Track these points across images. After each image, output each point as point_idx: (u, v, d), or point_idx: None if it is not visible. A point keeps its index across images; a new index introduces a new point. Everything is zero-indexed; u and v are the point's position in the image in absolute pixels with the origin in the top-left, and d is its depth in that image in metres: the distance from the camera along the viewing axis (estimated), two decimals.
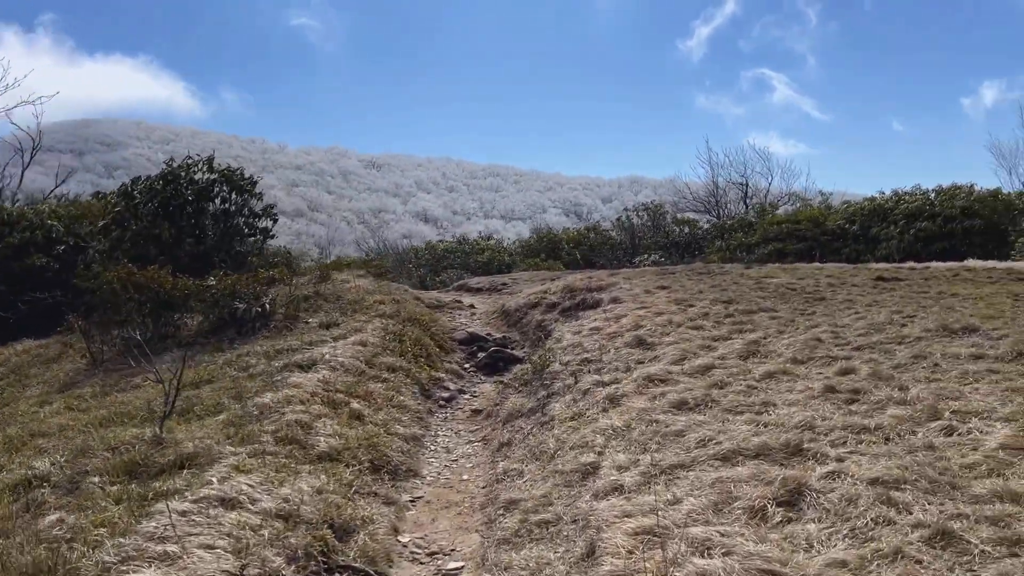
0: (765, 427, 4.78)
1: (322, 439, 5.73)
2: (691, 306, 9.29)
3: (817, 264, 14.25)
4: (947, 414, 4.66)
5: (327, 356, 7.73)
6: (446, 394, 8.04)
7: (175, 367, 6.77)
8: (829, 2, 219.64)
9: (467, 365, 9.51)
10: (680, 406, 5.47)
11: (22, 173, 28.11)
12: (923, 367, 5.84)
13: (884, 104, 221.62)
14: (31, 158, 27.33)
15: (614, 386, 6.25)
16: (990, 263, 14.58)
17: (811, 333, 7.31)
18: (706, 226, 27.85)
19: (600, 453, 4.97)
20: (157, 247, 13.21)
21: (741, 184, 29.32)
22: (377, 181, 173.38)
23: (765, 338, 7.32)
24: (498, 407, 7.36)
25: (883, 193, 25.13)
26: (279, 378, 7.08)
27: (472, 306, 14.28)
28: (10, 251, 14.66)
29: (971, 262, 14.70)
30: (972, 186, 24.04)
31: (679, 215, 28.90)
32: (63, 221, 16.24)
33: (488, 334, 10.72)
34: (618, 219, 29.89)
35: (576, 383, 6.73)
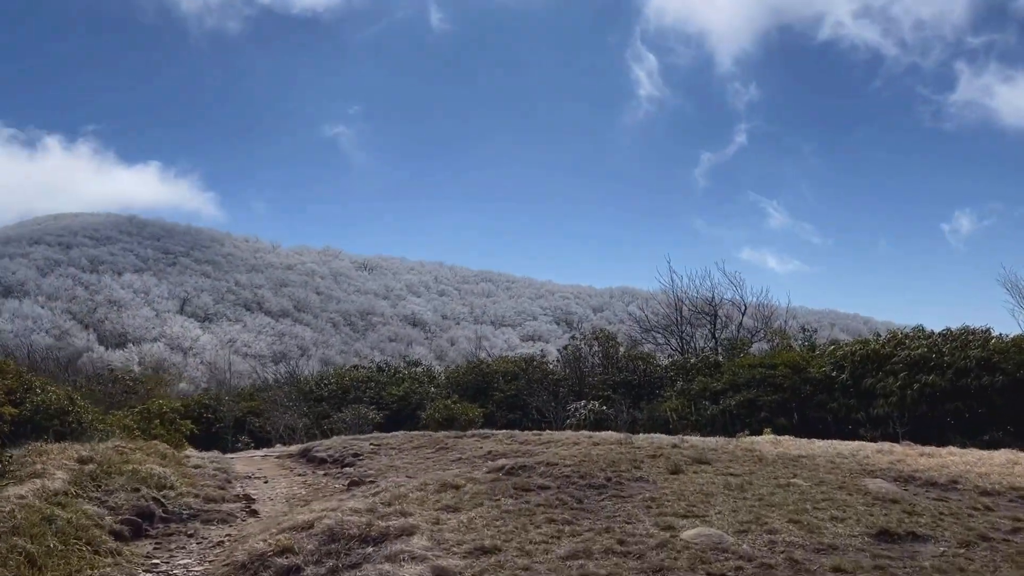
0: None
1: None
2: None
3: (786, 470, 9.33)
4: None
5: None
6: None
7: None
8: (824, 138, 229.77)
9: None
10: None
11: None
12: None
13: (872, 226, 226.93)
14: None
15: None
16: None
17: None
18: (665, 362, 23.14)
19: None
20: None
21: (708, 315, 24.75)
22: (367, 283, 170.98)
23: None
24: None
25: (879, 336, 20.51)
26: None
27: (255, 512, 9.29)
28: None
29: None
30: (988, 331, 19.44)
31: (634, 349, 24.19)
32: None
33: None
34: (565, 348, 25.20)
35: None
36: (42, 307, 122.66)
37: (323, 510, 7.23)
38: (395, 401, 23.40)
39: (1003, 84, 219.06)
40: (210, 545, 7.83)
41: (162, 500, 8.84)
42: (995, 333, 19.51)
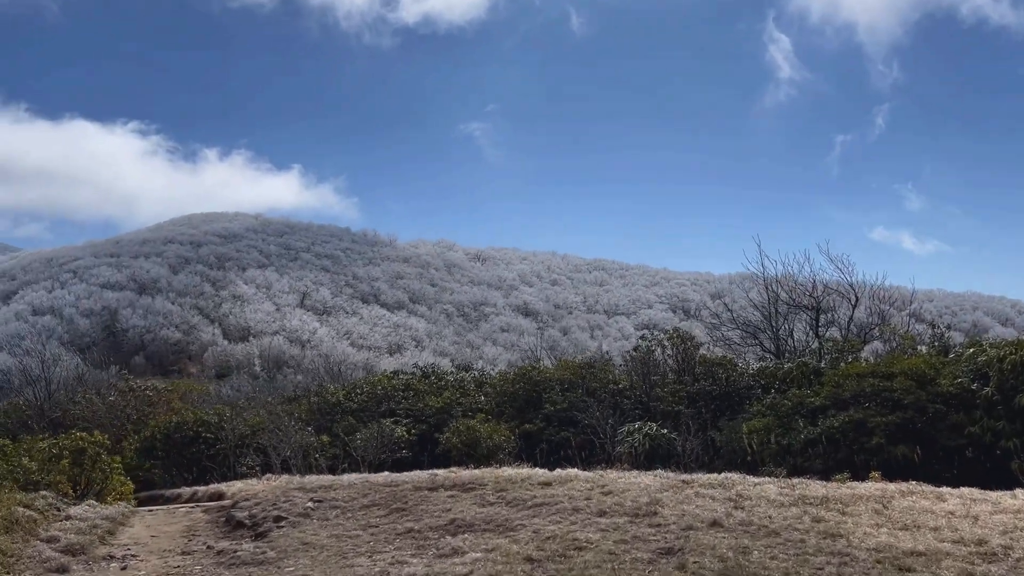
0: None
1: None
2: None
3: None
4: None
5: None
6: None
7: None
8: (967, 119, 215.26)
9: None
10: None
11: None
12: None
13: (1018, 205, 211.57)
14: None
15: None
16: None
17: None
18: (753, 368, 18.68)
19: None
20: None
21: (810, 308, 19.96)
22: (480, 274, 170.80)
23: None
24: None
25: None
26: None
27: None
28: None
29: None
30: None
31: (713, 351, 19.81)
32: None
33: None
34: (634, 349, 21.15)
35: None
36: (172, 303, 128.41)
37: None
38: (433, 414, 20.16)
39: None
40: None
41: None
42: None
